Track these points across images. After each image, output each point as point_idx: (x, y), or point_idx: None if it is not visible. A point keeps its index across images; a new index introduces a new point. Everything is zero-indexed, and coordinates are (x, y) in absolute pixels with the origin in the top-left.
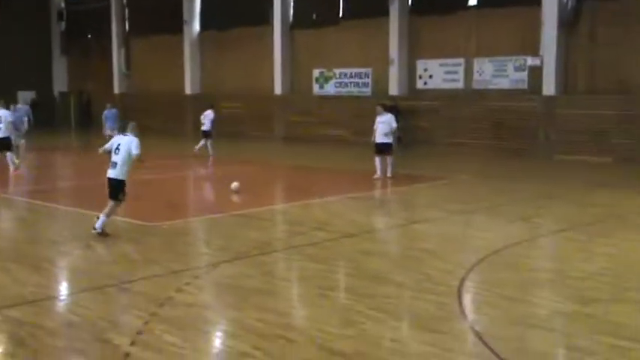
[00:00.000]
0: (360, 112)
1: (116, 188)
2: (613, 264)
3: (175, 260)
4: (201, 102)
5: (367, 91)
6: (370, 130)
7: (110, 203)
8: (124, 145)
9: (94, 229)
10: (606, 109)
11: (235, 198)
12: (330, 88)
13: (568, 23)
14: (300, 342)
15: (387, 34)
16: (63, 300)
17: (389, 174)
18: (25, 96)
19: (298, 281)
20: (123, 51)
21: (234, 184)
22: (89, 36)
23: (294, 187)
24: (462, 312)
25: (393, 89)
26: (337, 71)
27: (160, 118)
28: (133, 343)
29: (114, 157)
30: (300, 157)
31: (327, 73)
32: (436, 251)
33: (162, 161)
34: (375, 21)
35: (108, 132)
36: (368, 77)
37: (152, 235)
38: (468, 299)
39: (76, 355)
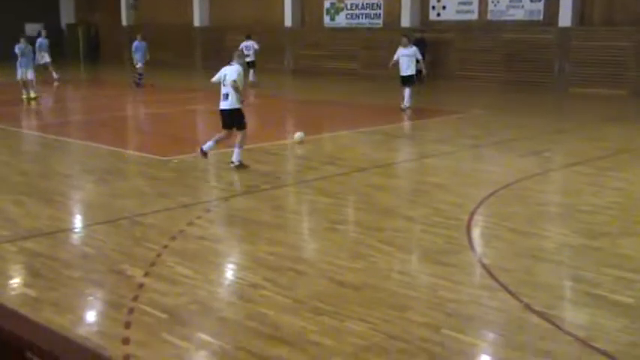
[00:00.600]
0: (371, 44)
1: (236, 117)
2: (623, 198)
3: (186, 194)
4: (210, 34)
5: (379, 22)
6: (381, 62)
7: (238, 134)
8: (229, 74)
9: (232, 162)
10: (622, 41)
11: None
12: (340, 20)
13: None
14: (310, 274)
15: None
16: (77, 232)
17: (407, 104)
18: (33, 28)
19: (308, 215)
20: None
21: (298, 134)
22: None
23: (304, 121)
24: (471, 245)
25: (405, 21)
26: (348, 2)
27: (169, 51)
28: (146, 274)
29: (223, 89)
30: (310, 91)
31: (337, 4)
32: (446, 185)
33: (173, 95)
34: None
35: (139, 64)
36: (379, 8)
37: (163, 169)
38: (476, 232)
39: (92, 286)
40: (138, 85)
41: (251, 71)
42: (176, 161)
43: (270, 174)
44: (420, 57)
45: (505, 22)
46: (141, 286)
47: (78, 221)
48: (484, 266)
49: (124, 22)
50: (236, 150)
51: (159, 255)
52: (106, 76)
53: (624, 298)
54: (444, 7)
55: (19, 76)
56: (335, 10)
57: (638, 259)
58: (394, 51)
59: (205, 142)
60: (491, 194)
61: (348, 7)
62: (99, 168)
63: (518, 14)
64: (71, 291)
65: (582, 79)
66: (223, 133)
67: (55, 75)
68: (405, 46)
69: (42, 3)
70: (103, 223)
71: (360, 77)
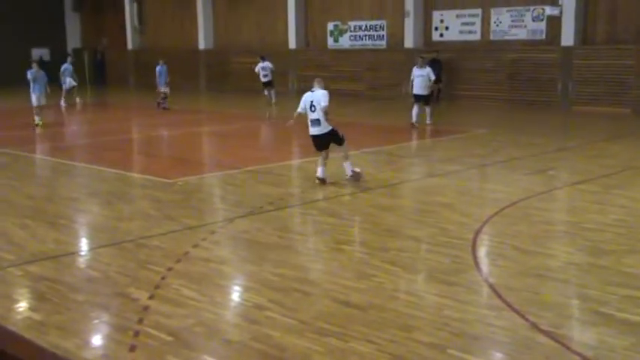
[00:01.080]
0: (375, 65)
1: (333, 137)
2: (628, 216)
3: (191, 216)
4: (214, 57)
5: (382, 43)
6: (385, 83)
7: (341, 150)
8: (316, 100)
9: (347, 175)
10: (626, 59)
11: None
12: (344, 42)
13: None
14: (316, 295)
15: None
16: (82, 255)
17: (428, 121)
18: (38, 53)
19: (313, 235)
20: (135, 6)
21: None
22: None
23: (309, 142)
24: (477, 264)
25: (409, 42)
26: (352, 24)
27: (174, 73)
28: (151, 297)
29: (312, 115)
30: None
31: (341, 26)
32: (452, 205)
33: (178, 117)
34: None
35: (162, 88)
36: (383, 30)
37: (168, 192)
38: (482, 252)
39: (97, 309)
40: (164, 108)
41: (272, 91)
42: (181, 183)
43: (275, 195)
44: (433, 77)
45: (508, 41)
46: (146, 308)
47: (83, 244)
48: (490, 285)
49: (130, 46)
50: (346, 163)
51: (164, 277)
52: (112, 99)
53: (631, 317)
54: (446, 28)
55: (34, 103)
56: (338, 32)
57: None
58: (399, 72)
59: (317, 171)
60: (497, 213)
61: (352, 28)
62: (104, 191)
63: (521, 34)
64: (76, 314)
65: (586, 97)
66: (323, 153)
67: (77, 99)
68: (420, 66)
69: (48, 28)
70: (107, 246)
71: (364, 98)
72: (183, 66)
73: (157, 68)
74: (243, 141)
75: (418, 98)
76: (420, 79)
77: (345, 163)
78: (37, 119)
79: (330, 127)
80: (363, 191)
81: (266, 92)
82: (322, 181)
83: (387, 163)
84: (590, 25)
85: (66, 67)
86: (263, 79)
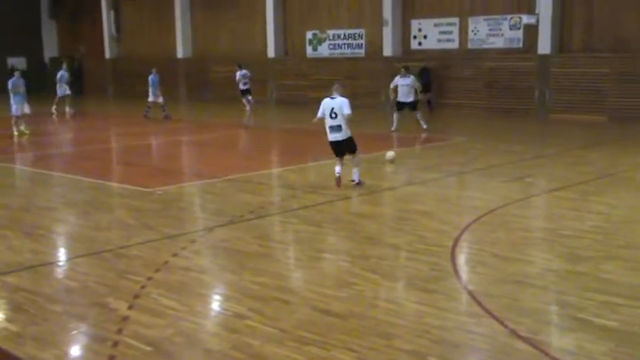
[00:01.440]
0: (354, 73)
1: (351, 144)
2: (605, 222)
3: (171, 225)
4: (193, 66)
5: (361, 52)
6: (364, 91)
7: (352, 157)
8: (338, 107)
9: (353, 181)
10: (602, 68)
11: (389, 169)
12: (323, 50)
13: None
14: (296, 303)
15: None
16: (60, 266)
17: (424, 126)
18: (14, 62)
19: (293, 244)
20: (112, 14)
21: (390, 154)
22: None
23: (288, 150)
24: (456, 271)
25: (387, 50)
26: (330, 33)
27: None
28: (130, 307)
29: (332, 122)
30: (294, 120)
31: (320, 35)
32: (431, 212)
33: (157, 126)
34: None
35: (153, 98)
36: (361, 38)
37: (147, 201)
38: (461, 259)
39: (75, 320)
40: (165, 117)
41: (249, 98)
42: (160, 192)
43: (255, 204)
44: (417, 85)
45: (486, 50)
46: (125, 319)
47: (61, 254)
48: (469, 292)
49: (107, 55)
50: (356, 171)
51: (143, 287)
52: (90, 108)
53: (609, 322)
54: (425, 37)
55: (17, 112)
56: (317, 41)
57: (621, 283)
58: (377, 80)
59: (353, 175)
60: (475, 220)
61: (331, 37)
62: (82, 200)
63: (499, 42)
64: (54, 325)
65: (563, 105)
66: (337, 160)
67: (68, 109)
68: (402, 75)
69: (25, 37)
70: (86, 255)
71: None
72: (162, 75)
73: (150, 77)
74: (222, 150)
75: (401, 106)
76: (405, 87)
77: (355, 168)
78: (22, 128)
79: (349, 134)
80: (343, 199)
81: (244, 100)
82: (358, 183)
83: (364, 171)
84: (566, 33)
85: (62, 74)
86: (242, 87)
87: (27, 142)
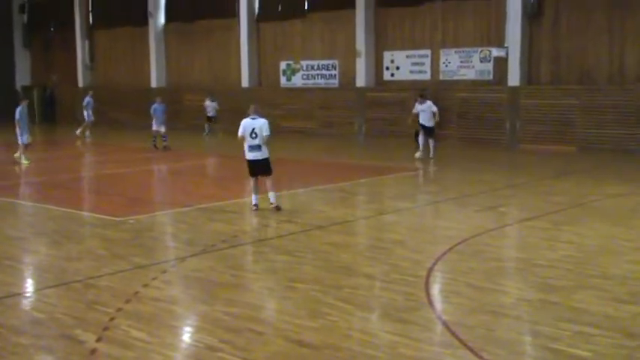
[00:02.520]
0: (328, 103)
1: (267, 166)
2: (577, 252)
3: (142, 255)
4: (167, 95)
5: (334, 82)
6: (337, 121)
7: (267, 180)
8: (258, 128)
9: (271, 203)
10: (570, 99)
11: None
12: (296, 80)
13: (532, 14)
14: (269, 334)
15: (354, 25)
16: (27, 297)
17: (431, 155)
18: None
19: (266, 274)
20: (87, 43)
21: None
22: (52, 28)
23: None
24: (430, 301)
25: (361, 81)
26: (304, 63)
27: (126, 111)
28: (99, 340)
29: (252, 142)
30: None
31: (294, 65)
32: (404, 242)
33: (129, 155)
34: (341, 13)
35: (155, 127)
36: (335, 69)
37: (118, 230)
38: (435, 289)
39: (42, 353)
40: (165, 147)
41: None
42: (132, 222)
43: (228, 233)
44: (435, 109)
45: (457, 81)
46: (93, 351)
47: (28, 285)
48: (444, 323)
49: (80, 84)
50: (273, 193)
51: (112, 319)
52: (62, 137)
53: (582, 352)
54: (397, 68)
55: (25, 141)
56: (291, 71)
57: (593, 312)
58: (351, 110)
59: (252, 199)
60: (449, 250)
61: (304, 67)
62: (52, 230)
63: (470, 74)
64: (20, 358)
65: (533, 135)
66: (252, 180)
67: (85, 132)
68: (420, 102)
69: None
70: (54, 286)
71: (317, 136)
72: (135, 103)
73: (154, 106)
74: (195, 178)
75: (425, 129)
76: (425, 113)
77: (270, 192)
78: (23, 157)
79: (267, 155)
80: (317, 229)
81: (207, 125)
82: (277, 207)
83: (339, 200)
84: (534, 66)
85: (88, 100)
86: (210, 114)
87: None
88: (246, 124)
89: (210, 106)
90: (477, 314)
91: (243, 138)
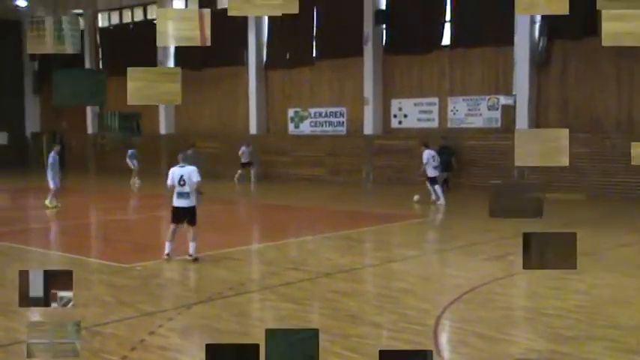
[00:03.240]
0: (336, 150)
1: (193, 215)
2: (586, 302)
3: (148, 302)
4: (176, 142)
5: (342, 130)
6: (345, 168)
7: (190, 229)
8: (187, 175)
9: (190, 256)
10: (579, 148)
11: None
12: (304, 128)
13: (540, 63)
14: None
15: (362, 73)
16: None
17: (432, 199)
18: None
19: (273, 322)
20: None
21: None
22: None
23: (269, 226)
24: (439, 351)
25: (368, 128)
26: (312, 111)
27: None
28: None
29: (181, 189)
30: (275, 196)
31: (301, 113)
32: (412, 290)
33: (138, 201)
34: (349, 61)
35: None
36: (343, 116)
37: (125, 277)
38: (443, 338)
39: None
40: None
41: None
42: (139, 268)
43: (234, 280)
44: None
45: (465, 129)
46: None
47: None
48: None
49: (90, 131)
50: (193, 244)
51: None
52: (70, 183)
53: None
54: (405, 116)
55: (56, 185)
56: (299, 118)
57: None
58: (359, 157)
59: (166, 247)
60: (457, 299)
61: (312, 115)
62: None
63: (477, 122)
64: None
65: (542, 184)
66: (172, 227)
67: (137, 182)
68: (422, 151)
69: (7, 112)
70: None
71: (325, 183)
72: (145, 150)
73: (188, 152)
74: (202, 225)
75: (433, 180)
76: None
77: (191, 243)
78: (55, 201)
79: (194, 204)
80: (323, 276)
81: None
82: (195, 259)
83: (346, 248)
84: (542, 113)
85: (132, 151)
86: (244, 160)
87: (1, 216)
88: (174, 172)
89: (245, 152)
90: None
91: (173, 187)
